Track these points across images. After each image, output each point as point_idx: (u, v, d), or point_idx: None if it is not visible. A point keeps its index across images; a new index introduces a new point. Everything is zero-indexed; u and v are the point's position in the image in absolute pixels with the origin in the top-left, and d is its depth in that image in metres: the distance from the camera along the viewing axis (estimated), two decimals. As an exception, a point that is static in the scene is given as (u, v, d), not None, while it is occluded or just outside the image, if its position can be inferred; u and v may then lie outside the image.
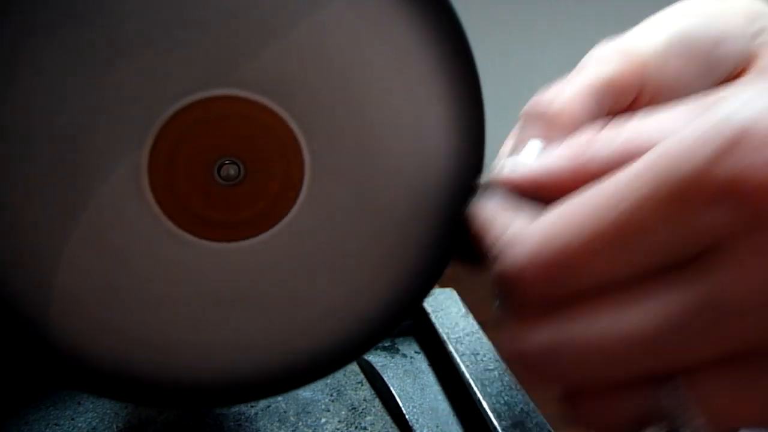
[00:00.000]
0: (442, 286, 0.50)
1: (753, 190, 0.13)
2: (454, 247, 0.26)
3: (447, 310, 0.47)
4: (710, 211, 0.14)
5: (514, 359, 0.17)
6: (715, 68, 0.28)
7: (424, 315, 0.46)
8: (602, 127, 0.19)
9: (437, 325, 0.45)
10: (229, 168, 0.24)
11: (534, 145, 0.23)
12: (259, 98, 0.23)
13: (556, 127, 0.23)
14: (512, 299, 0.17)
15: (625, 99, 0.26)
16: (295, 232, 0.25)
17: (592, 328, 0.15)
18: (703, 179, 0.14)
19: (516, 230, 0.18)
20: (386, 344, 0.46)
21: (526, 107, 0.25)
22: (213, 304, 0.26)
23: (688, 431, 0.14)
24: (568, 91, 0.24)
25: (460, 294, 0.50)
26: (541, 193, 0.20)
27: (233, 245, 0.25)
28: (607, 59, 0.26)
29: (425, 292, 0.27)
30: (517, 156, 0.23)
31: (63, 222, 0.23)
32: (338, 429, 0.37)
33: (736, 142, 0.13)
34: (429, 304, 0.47)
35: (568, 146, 0.20)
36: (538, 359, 0.17)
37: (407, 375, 0.43)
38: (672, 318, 0.14)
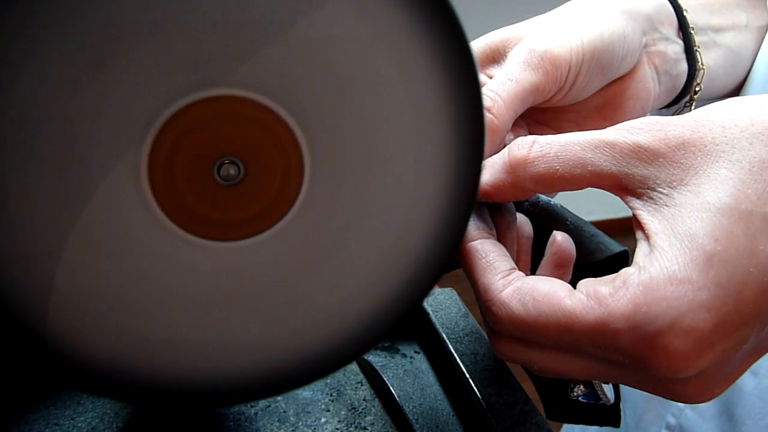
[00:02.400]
0: (442, 286, 0.50)
1: (662, 367, 0.20)
2: (454, 247, 0.26)
3: (447, 310, 0.47)
4: (620, 360, 0.22)
5: (495, 350, 0.27)
6: (614, 74, 0.34)
7: (424, 315, 0.46)
8: (529, 146, 0.26)
9: (437, 325, 0.45)
10: (229, 168, 0.24)
11: None
12: (259, 98, 0.23)
13: (493, 134, 0.30)
14: (496, 329, 0.25)
15: (544, 98, 0.32)
16: (295, 231, 0.25)
17: (547, 360, 0.24)
18: (632, 353, 0.21)
19: (497, 294, 0.25)
20: (386, 344, 0.46)
21: None
22: (213, 303, 0.26)
23: (597, 390, 0.27)
24: (502, 101, 0.30)
25: (460, 294, 0.50)
26: (490, 198, 0.28)
27: (233, 245, 0.25)
28: (533, 66, 0.31)
29: (425, 292, 0.27)
30: None
31: (62, 222, 0.23)
32: (338, 429, 0.37)
33: (654, 344, 0.20)
34: (429, 304, 0.47)
35: (502, 163, 0.27)
36: (513, 358, 0.26)
37: (407, 375, 0.43)
38: (592, 370, 0.24)
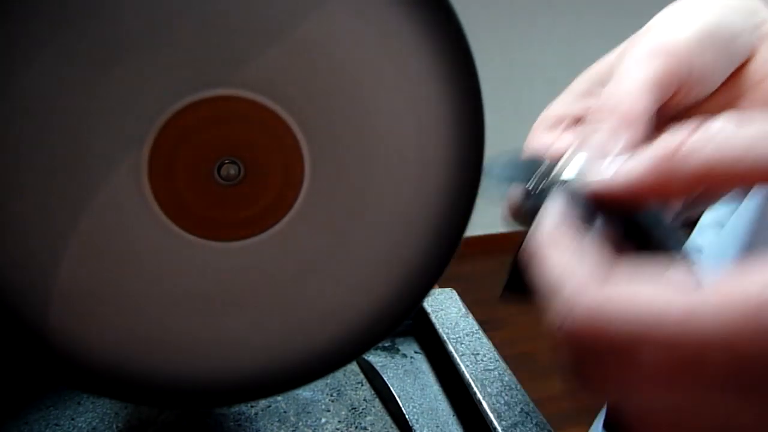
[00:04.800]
0: (442, 286, 0.50)
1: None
2: (453, 247, 0.26)
3: (447, 310, 0.47)
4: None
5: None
6: (732, 60, 0.29)
7: (424, 315, 0.46)
8: (685, 134, 0.18)
9: (437, 325, 0.45)
10: (229, 168, 0.24)
11: (613, 151, 0.23)
12: (259, 98, 0.23)
13: (625, 124, 0.24)
14: (567, 355, 0.17)
15: (668, 95, 0.27)
16: (295, 231, 0.25)
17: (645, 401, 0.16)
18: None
19: (577, 288, 0.17)
20: (386, 344, 0.46)
21: (597, 106, 0.25)
22: (213, 303, 0.26)
23: None
24: (627, 88, 0.25)
25: (460, 294, 0.50)
26: (621, 203, 0.20)
27: (233, 245, 0.25)
28: (650, 58, 0.26)
29: (425, 292, 0.27)
30: (598, 161, 0.22)
31: (63, 222, 0.23)
32: (338, 429, 0.37)
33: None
34: (429, 304, 0.47)
35: (653, 155, 0.19)
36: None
37: (407, 375, 0.43)
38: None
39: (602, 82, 0.30)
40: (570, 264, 0.18)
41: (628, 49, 0.28)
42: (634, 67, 0.26)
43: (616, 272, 0.17)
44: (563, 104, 0.30)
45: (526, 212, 0.22)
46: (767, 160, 0.17)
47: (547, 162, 0.23)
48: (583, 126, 0.25)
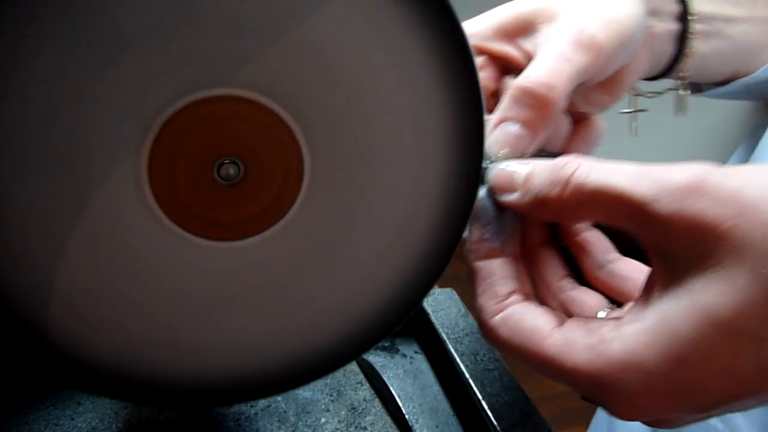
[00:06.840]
0: (442, 286, 0.50)
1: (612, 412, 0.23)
2: (453, 247, 0.26)
3: (447, 310, 0.47)
4: None
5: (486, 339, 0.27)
6: (629, 57, 0.33)
7: (424, 315, 0.46)
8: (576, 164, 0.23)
9: (437, 325, 0.45)
10: (229, 168, 0.24)
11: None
12: (259, 98, 0.23)
13: (544, 113, 0.28)
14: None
15: (581, 81, 0.30)
16: (295, 231, 0.25)
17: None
18: (589, 396, 0.24)
19: (488, 318, 0.26)
20: (386, 344, 0.46)
21: (519, 84, 0.28)
22: (213, 303, 0.26)
23: None
24: (552, 81, 0.28)
25: (460, 294, 0.50)
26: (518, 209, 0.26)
27: (233, 245, 0.25)
28: (585, 48, 0.29)
29: (425, 292, 0.27)
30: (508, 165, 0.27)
31: (63, 222, 0.23)
32: (338, 429, 0.37)
33: (608, 401, 0.23)
34: (429, 304, 0.47)
35: (550, 180, 0.24)
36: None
37: (407, 375, 0.43)
38: None
39: (523, 29, 0.32)
40: (482, 296, 0.26)
41: (559, 23, 0.31)
42: (561, 60, 0.29)
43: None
44: (481, 33, 0.33)
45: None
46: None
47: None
48: (505, 103, 0.29)
